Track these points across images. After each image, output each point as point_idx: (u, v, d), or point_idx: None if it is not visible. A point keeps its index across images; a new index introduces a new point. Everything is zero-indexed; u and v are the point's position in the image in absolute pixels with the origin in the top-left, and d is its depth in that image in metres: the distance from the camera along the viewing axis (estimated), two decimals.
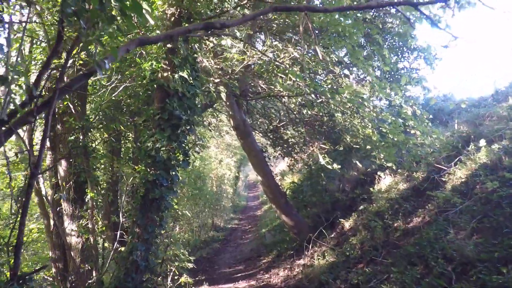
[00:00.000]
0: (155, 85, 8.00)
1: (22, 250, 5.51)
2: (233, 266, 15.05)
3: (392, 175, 13.00)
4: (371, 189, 13.09)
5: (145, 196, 7.42)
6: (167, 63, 7.82)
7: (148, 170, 7.48)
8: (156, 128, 7.66)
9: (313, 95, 10.16)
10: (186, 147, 7.89)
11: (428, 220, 9.45)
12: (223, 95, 12.46)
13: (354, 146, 12.41)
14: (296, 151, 15.17)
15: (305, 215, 15.30)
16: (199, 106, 8.80)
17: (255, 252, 16.29)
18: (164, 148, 7.49)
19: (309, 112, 12.54)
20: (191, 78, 7.88)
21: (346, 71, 11.61)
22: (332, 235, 12.74)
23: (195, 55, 8.25)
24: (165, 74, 7.76)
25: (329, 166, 11.56)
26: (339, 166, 11.53)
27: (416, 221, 9.85)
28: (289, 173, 25.65)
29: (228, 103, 12.48)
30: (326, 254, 11.50)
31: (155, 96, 7.91)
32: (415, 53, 13.53)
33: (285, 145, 15.03)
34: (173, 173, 7.67)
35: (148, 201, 7.43)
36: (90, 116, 9.70)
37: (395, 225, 10.18)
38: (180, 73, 7.64)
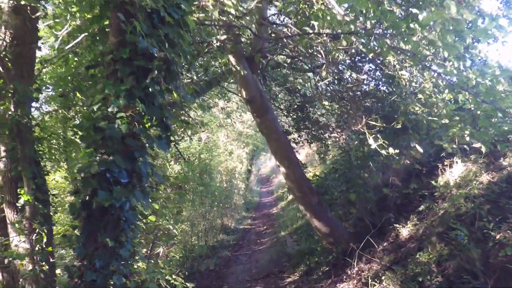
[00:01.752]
0: (110, 5, 4.51)
1: None
2: (248, 286, 11.57)
3: (462, 163, 9.51)
4: (433, 182, 9.63)
5: (87, 203, 4.03)
6: None
7: (96, 155, 4.09)
8: (110, 77, 4.25)
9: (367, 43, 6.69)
10: (164, 113, 4.38)
11: None
12: (231, 59, 9.04)
13: (416, 122, 8.96)
14: (328, 134, 11.71)
15: (340, 218, 11.86)
16: (192, 50, 5.42)
17: (276, 265, 12.81)
18: (122, 114, 4.07)
19: (353, 76, 9.02)
20: None
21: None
22: (384, 247, 9.30)
23: None
24: None
25: (383, 151, 8.10)
26: (397, 151, 8.05)
27: None
28: (311, 164, 22.12)
29: (238, 68, 9.05)
30: (382, 277, 8.06)
31: (111, 24, 4.44)
32: None
33: (314, 127, 11.56)
34: (141, 159, 4.24)
35: (94, 213, 4.04)
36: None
37: (498, 236, 6.69)
38: None
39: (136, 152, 4.15)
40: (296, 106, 11.83)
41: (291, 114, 11.85)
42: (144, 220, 6.06)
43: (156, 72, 4.13)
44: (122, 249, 4.22)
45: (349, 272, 9.22)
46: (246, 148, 28.47)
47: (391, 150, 8.00)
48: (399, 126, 8.50)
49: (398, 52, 6.58)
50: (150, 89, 4.21)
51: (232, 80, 14.53)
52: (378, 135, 8.24)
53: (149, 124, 4.28)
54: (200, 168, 17.54)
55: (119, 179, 4.04)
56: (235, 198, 25.66)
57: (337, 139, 12.05)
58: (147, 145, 4.27)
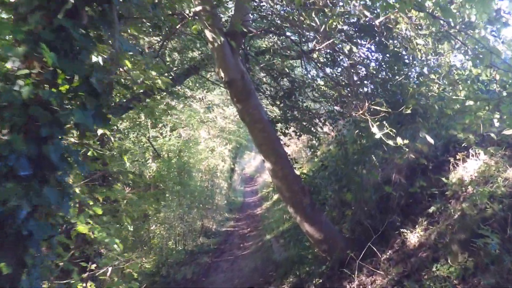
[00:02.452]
0: None
1: None
2: None
3: (476, 157, 8.15)
4: (443, 179, 8.25)
5: None
6: None
7: None
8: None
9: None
10: (91, 71, 2.84)
11: None
12: (208, 34, 7.54)
13: (426, 107, 7.55)
14: (320, 124, 10.24)
15: (333, 220, 10.46)
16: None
17: (261, 275, 11.32)
18: (25, 71, 2.57)
19: (353, 51, 7.53)
20: None
21: None
22: (389, 255, 7.88)
23: None
24: None
25: (390, 142, 6.68)
26: (406, 141, 6.63)
27: None
28: (296, 161, 20.74)
29: (216, 45, 7.55)
30: None
31: None
32: None
33: (304, 117, 10.08)
34: (53, 140, 2.74)
35: None
36: None
37: None
38: None
39: (44, 128, 2.65)
40: (283, 93, 10.36)
41: (277, 102, 10.37)
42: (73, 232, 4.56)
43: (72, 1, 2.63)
44: (26, 277, 2.74)
45: (347, 286, 7.78)
46: (228, 145, 26.92)
47: (399, 140, 6.59)
48: (408, 111, 7.06)
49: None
50: (68, 33, 2.70)
51: (213, 68, 13.06)
52: (384, 122, 6.79)
53: (68, 86, 2.78)
54: (178, 166, 16.04)
55: (16, 171, 2.55)
56: (217, 198, 24.13)
57: (331, 130, 10.62)
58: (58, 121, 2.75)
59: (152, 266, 14.12)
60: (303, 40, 8.98)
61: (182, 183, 15.63)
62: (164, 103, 16.34)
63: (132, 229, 14.41)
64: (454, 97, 7.01)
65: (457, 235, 6.53)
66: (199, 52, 12.69)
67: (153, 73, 5.92)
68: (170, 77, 12.11)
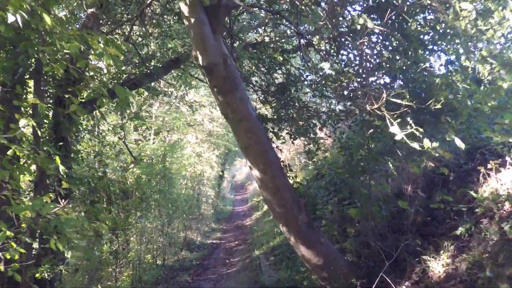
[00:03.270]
0: None
1: None
2: None
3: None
4: (472, 193, 6.68)
5: None
6: None
7: None
8: None
9: None
10: None
11: None
12: (183, 7, 5.93)
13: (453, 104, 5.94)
14: (319, 125, 8.61)
15: (332, 239, 8.88)
16: None
17: None
18: None
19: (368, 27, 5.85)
20: None
21: None
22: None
23: None
24: None
25: (414, 145, 5.09)
26: (436, 145, 5.04)
27: None
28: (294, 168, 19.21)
29: (192, 21, 5.96)
30: None
31: None
32: None
33: (300, 116, 8.44)
34: None
35: None
36: None
37: None
38: None
39: None
40: (275, 87, 8.77)
41: (269, 99, 8.77)
42: None
43: None
44: None
45: None
46: (216, 151, 25.26)
47: (426, 143, 5.01)
48: (438, 106, 5.46)
49: None
50: None
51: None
52: (409, 120, 5.18)
53: None
54: (157, 172, 14.41)
55: None
56: (203, 207, 22.49)
57: (330, 133, 9.04)
58: None
59: (127, 283, 12.47)
60: (301, 21, 7.37)
61: (161, 191, 13.96)
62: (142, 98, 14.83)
63: (106, 241, 12.95)
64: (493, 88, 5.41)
65: (506, 269, 4.93)
66: (181, 42, 11.11)
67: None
68: (147, 70, 10.55)
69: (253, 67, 9.00)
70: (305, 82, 8.89)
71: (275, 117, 8.55)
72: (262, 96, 8.84)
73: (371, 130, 6.95)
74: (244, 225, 22.91)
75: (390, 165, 7.19)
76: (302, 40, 7.39)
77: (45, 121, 8.31)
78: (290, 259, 11.02)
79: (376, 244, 7.35)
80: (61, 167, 4.21)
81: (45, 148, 4.34)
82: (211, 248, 17.70)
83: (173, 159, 16.41)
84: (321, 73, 8.07)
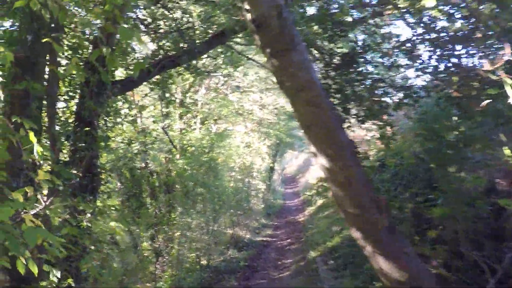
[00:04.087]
0: None
1: None
2: None
3: None
4: None
5: None
6: None
7: None
8: None
9: None
10: None
11: None
12: None
13: None
14: (391, 107, 6.93)
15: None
16: None
17: None
18: None
19: None
20: None
21: None
22: None
23: None
24: None
25: None
26: None
27: None
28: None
29: None
30: None
31: None
32: None
33: (372, 94, 6.78)
34: None
35: None
36: None
37: None
38: None
39: None
40: (340, 60, 7.15)
41: (331, 72, 7.15)
42: None
43: None
44: None
45: None
46: (267, 140, 23.83)
47: None
48: None
49: None
50: None
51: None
52: None
53: None
54: (202, 163, 13.13)
55: None
56: (252, 201, 21.12)
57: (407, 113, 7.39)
58: None
59: (167, 285, 11.27)
60: None
61: (205, 184, 12.63)
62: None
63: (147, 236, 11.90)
64: None
65: None
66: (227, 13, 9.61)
67: None
68: (185, 48, 9.17)
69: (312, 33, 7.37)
70: (377, 52, 7.21)
71: (339, 95, 6.95)
72: (324, 68, 7.22)
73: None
74: (297, 221, 21.42)
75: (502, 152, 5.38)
76: None
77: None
78: (354, 265, 9.42)
79: (475, 256, 5.65)
80: (38, 148, 2.78)
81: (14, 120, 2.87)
82: (261, 247, 16.30)
83: (220, 150, 15.15)
84: (396, 40, 6.50)
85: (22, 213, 2.48)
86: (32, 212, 2.63)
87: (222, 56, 11.08)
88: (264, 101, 19.71)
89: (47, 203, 2.74)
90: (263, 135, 22.66)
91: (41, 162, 2.96)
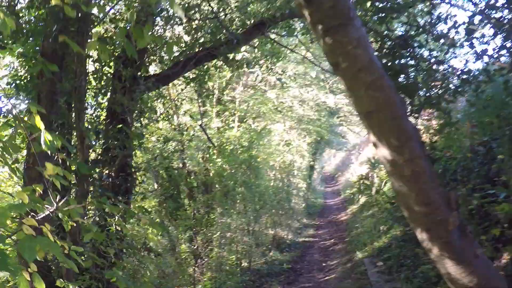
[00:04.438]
0: None
1: None
2: None
3: None
4: None
5: None
6: None
7: None
8: None
9: None
10: None
11: None
12: None
13: None
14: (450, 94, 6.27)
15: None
16: None
17: None
18: None
19: None
20: None
21: None
22: None
23: None
24: None
25: None
26: None
27: None
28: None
29: None
30: None
31: None
32: None
33: (431, 80, 6.14)
34: None
35: None
36: None
37: None
38: None
39: None
40: (394, 42, 6.51)
41: (383, 55, 6.52)
42: None
43: None
44: None
45: None
46: (307, 138, 23.26)
47: None
48: None
49: None
50: None
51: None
52: None
53: None
54: (241, 161, 12.68)
55: None
56: (293, 201, 20.57)
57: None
58: None
59: None
60: None
61: (246, 183, 12.16)
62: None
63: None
64: None
65: None
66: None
67: None
68: (224, 40, 8.68)
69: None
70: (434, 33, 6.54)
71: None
72: (376, 52, 6.58)
73: None
74: (339, 221, 20.74)
75: None
76: None
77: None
78: (406, 267, 8.71)
79: None
80: (45, 136, 2.28)
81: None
82: (304, 248, 15.68)
83: (260, 148, 14.68)
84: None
85: (29, 216, 1.98)
86: (41, 215, 2.13)
87: (261, 48, 10.54)
88: (304, 96, 19.12)
89: (59, 204, 2.24)
90: (303, 132, 22.11)
91: (51, 153, 2.43)
